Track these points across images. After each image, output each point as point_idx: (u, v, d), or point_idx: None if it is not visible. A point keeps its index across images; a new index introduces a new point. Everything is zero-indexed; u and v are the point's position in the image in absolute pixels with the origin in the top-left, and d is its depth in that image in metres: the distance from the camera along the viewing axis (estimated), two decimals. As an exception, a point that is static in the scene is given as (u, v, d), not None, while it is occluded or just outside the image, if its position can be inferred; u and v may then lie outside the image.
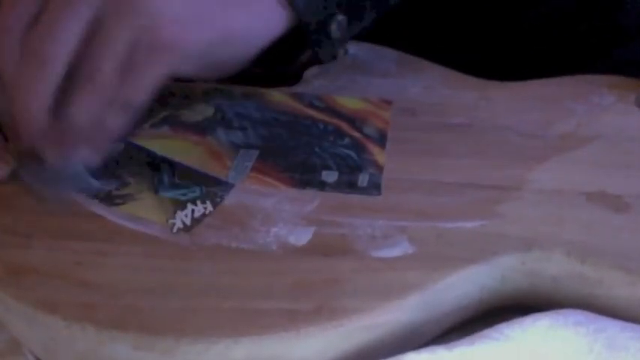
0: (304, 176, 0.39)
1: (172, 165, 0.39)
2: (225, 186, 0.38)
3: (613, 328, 0.32)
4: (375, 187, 0.38)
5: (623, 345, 0.31)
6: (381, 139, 0.42)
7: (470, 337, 0.31)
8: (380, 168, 0.39)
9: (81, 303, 0.31)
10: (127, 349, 0.30)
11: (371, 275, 0.33)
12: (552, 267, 0.34)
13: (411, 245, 0.34)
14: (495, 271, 0.34)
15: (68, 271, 0.32)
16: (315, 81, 0.48)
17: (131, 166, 0.39)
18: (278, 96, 0.46)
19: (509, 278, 0.35)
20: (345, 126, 0.43)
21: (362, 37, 0.53)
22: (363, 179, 0.38)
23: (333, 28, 0.37)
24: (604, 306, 0.34)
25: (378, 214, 0.36)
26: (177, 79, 0.43)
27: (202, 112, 0.44)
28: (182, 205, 0.36)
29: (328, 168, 0.39)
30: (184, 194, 0.37)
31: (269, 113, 0.44)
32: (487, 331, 0.32)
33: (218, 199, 0.37)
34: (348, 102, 0.45)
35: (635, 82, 0.48)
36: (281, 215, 0.36)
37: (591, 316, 0.32)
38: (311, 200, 0.37)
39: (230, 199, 0.37)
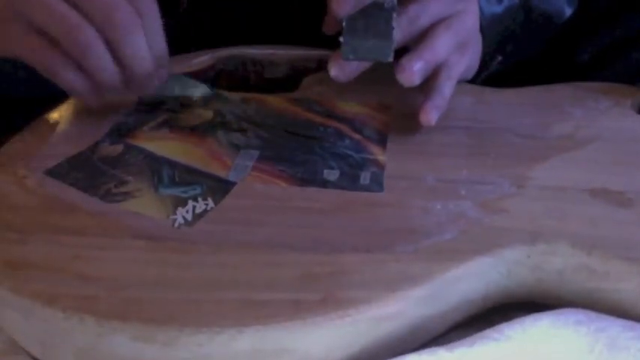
0: (306, 175, 0.38)
1: (172, 164, 0.39)
2: (226, 184, 0.37)
3: (614, 327, 0.31)
4: (377, 184, 0.38)
5: (624, 345, 0.30)
6: (382, 141, 0.42)
7: (470, 338, 0.31)
8: (381, 166, 0.39)
9: (80, 295, 0.30)
10: (126, 342, 0.29)
11: (377, 267, 0.32)
12: (558, 260, 0.34)
13: (415, 239, 0.34)
14: (501, 264, 0.34)
15: (66, 264, 0.32)
16: (313, 88, 0.48)
17: (130, 166, 0.39)
18: (277, 101, 0.46)
19: (515, 272, 0.34)
20: (345, 128, 0.43)
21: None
22: (365, 177, 0.38)
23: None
24: (610, 300, 0.34)
25: (381, 210, 0.36)
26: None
27: (201, 115, 0.44)
28: (183, 202, 0.36)
29: (330, 167, 0.39)
30: (185, 192, 0.37)
31: (269, 116, 0.44)
32: (487, 332, 0.31)
33: (219, 197, 0.36)
34: (348, 106, 0.45)
35: (630, 88, 0.49)
36: (285, 212, 0.36)
37: (592, 315, 0.32)
38: (314, 197, 0.37)
39: (232, 197, 0.37)
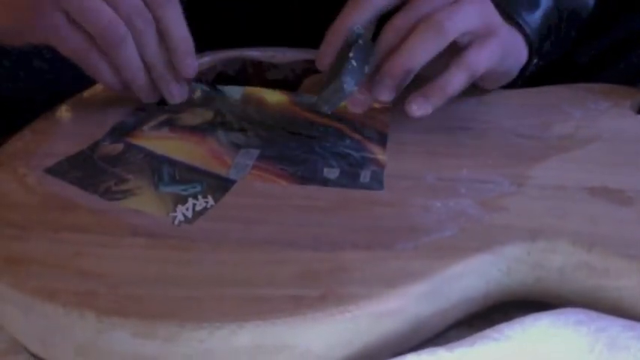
0: (306, 173, 0.38)
1: (172, 163, 0.39)
2: (226, 182, 0.37)
3: (614, 327, 0.31)
4: (377, 182, 0.38)
5: (625, 345, 0.30)
6: (382, 140, 0.42)
7: (470, 338, 0.31)
8: (381, 165, 0.39)
9: (80, 291, 0.30)
10: (127, 337, 0.29)
11: (377, 264, 0.32)
12: (558, 258, 0.34)
13: (415, 236, 0.34)
14: (501, 261, 0.34)
15: (67, 261, 0.32)
16: (313, 88, 0.48)
17: (130, 164, 0.39)
18: (278, 99, 0.46)
19: (515, 270, 0.34)
20: (345, 128, 0.43)
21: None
22: (365, 175, 0.38)
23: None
24: (611, 298, 0.34)
25: (381, 208, 0.36)
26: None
27: (202, 115, 0.44)
28: (183, 200, 0.36)
29: (330, 166, 0.39)
30: (185, 189, 0.37)
31: (269, 116, 0.44)
32: (487, 332, 0.31)
33: (219, 195, 0.36)
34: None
35: (629, 89, 0.49)
36: (285, 210, 0.36)
37: (593, 315, 0.32)
38: (314, 195, 0.37)
39: (232, 195, 0.37)
